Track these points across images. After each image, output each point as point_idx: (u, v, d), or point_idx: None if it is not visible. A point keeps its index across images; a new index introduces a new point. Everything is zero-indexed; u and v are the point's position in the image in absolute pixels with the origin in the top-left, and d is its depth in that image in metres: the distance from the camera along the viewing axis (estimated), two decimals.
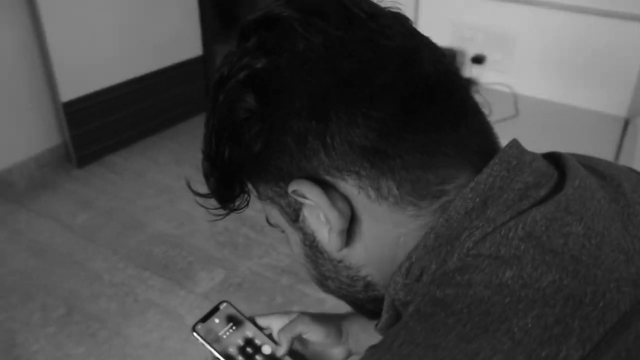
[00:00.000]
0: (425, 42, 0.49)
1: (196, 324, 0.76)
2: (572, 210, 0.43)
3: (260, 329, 0.78)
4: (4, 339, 2.17)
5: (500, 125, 2.17)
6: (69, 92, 3.05)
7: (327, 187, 0.46)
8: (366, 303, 0.56)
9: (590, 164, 0.52)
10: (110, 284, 2.41)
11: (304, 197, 0.47)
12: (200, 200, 0.56)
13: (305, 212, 0.49)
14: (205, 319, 0.77)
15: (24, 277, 2.48)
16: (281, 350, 0.74)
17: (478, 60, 2.47)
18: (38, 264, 2.55)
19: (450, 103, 0.47)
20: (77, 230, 2.77)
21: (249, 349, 0.75)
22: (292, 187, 0.46)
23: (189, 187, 0.58)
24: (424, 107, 0.45)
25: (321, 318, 0.78)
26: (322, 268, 0.54)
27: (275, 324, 0.78)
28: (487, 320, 0.37)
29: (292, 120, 0.44)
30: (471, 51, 2.47)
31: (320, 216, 0.48)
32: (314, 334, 0.76)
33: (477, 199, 0.44)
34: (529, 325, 0.37)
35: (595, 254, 0.41)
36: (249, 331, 0.77)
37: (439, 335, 0.38)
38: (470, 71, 2.48)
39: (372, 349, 0.41)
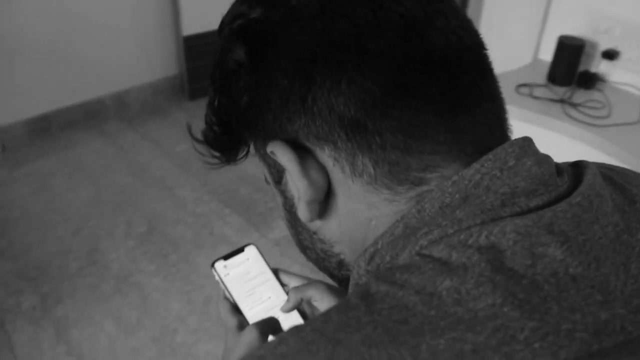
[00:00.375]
0: (445, 11, 0.42)
1: (217, 260, 0.74)
2: (555, 230, 0.37)
3: (280, 282, 0.75)
4: (89, 243, 2.35)
5: (617, 130, 1.99)
6: (191, 27, 3.18)
7: (305, 154, 0.43)
8: (341, 281, 0.53)
9: (622, 182, 0.44)
10: (192, 213, 2.52)
11: (278, 160, 0.44)
12: (198, 147, 0.54)
13: (287, 176, 0.47)
14: (227, 257, 0.75)
15: (118, 192, 2.66)
16: (286, 306, 0.72)
17: (610, 55, 2.24)
18: (133, 182, 2.73)
19: (456, 84, 0.41)
20: (174, 157, 2.91)
21: (260, 297, 0.73)
22: (269, 148, 0.44)
23: (189, 132, 0.56)
24: (419, 84, 0.40)
25: (337, 291, 0.75)
26: (300, 236, 0.52)
27: (293, 283, 0.76)
28: (401, 329, 0.33)
29: (278, 78, 0.42)
30: (604, 45, 2.25)
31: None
32: (324, 303, 0.73)
33: (457, 195, 0.39)
34: (440, 347, 0.32)
35: (566, 286, 0.35)
36: (267, 280, 0.74)
37: (348, 332, 0.34)
38: (598, 66, 2.26)
39: (294, 328, 0.38)
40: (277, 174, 0.48)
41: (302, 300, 0.71)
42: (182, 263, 2.26)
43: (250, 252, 0.76)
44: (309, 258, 0.53)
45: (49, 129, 3.12)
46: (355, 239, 0.46)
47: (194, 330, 1.98)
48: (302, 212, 0.45)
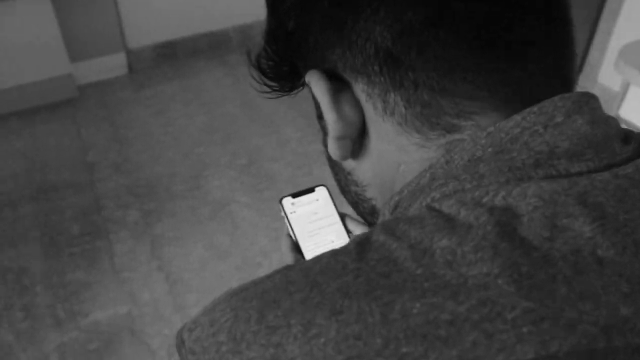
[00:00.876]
0: None
1: (285, 196, 0.73)
2: (589, 201, 0.32)
3: (346, 228, 0.73)
4: (196, 169, 2.47)
5: None
6: None
7: (342, 87, 0.41)
8: None
9: None
10: (293, 152, 2.55)
11: (312, 90, 0.43)
12: (255, 73, 0.52)
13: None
14: (296, 195, 0.73)
15: (228, 122, 2.75)
16: None
17: None
18: (242, 114, 2.80)
19: (505, 22, 0.36)
20: (286, 98, 2.93)
21: (323, 240, 0.72)
22: (307, 77, 0.43)
23: (248, 56, 0.54)
24: (462, 19, 0.36)
25: None
26: (337, 177, 0.51)
27: (358, 231, 0.74)
28: (381, 282, 0.31)
29: (321, 3, 0.40)
30: None
31: None
32: None
33: (490, 149, 0.36)
34: (414, 310, 0.29)
35: (586, 268, 0.29)
36: (333, 224, 0.73)
37: (328, 276, 0.32)
38: None
39: (288, 265, 0.37)
40: (318, 108, 0.46)
41: None
42: (275, 200, 2.30)
43: (321, 193, 0.74)
44: (348, 201, 0.52)
45: (175, 55, 3.27)
46: (385, 184, 0.44)
47: (275, 266, 2.02)
48: (331, 149, 0.43)
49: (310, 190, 0.73)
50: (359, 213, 0.52)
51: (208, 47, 3.33)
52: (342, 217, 0.74)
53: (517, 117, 0.36)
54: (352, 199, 0.50)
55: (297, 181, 2.39)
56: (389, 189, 0.44)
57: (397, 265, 0.31)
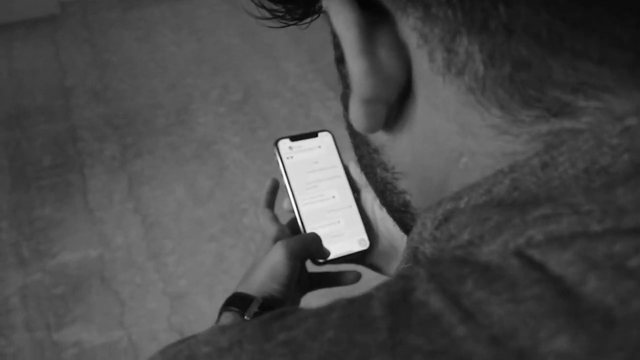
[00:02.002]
0: None
1: (282, 138, 0.62)
2: None
3: (351, 183, 0.63)
4: (181, 102, 2.25)
5: None
6: None
7: (380, 21, 0.26)
8: (404, 228, 0.37)
9: None
10: (291, 89, 2.32)
11: (331, 20, 0.29)
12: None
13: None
14: (295, 138, 0.63)
15: (221, 53, 2.51)
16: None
17: None
18: (237, 45, 2.55)
19: None
20: (288, 28, 2.68)
21: (322, 194, 0.62)
22: (324, 1, 0.28)
23: None
24: None
25: None
26: (357, 150, 0.37)
27: (369, 194, 0.64)
28: None
29: None
30: None
31: None
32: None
33: (627, 156, 0.22)
34: None
35: None
36: (335, 177, 0.62)
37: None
38: None
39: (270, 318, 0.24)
40: (339, 48, 0.32)
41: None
42: (269, 141, 2.09)
43: (324, 139, 0.64)
44: (370, 184, 0.38)
45: None
46: (431, 179, 0.30)
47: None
48: (354, 113, 0.29)
49: (313, 134, 0.64)
50: (384, 203, 0.37)
51: None
52: (347, 170, 0.63)
53: None
54: (376, 184, 0.36)
55: (295, 122, 2.18)
56: (437, 188, 0.30)
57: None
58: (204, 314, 1.58)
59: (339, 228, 0.60)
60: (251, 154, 2.04)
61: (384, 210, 0.61)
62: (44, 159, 2.01)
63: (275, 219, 0.62)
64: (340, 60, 0.32)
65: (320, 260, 0.59)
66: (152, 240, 1.76)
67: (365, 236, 0.60)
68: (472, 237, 0.25)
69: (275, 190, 0.65)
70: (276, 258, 0.54)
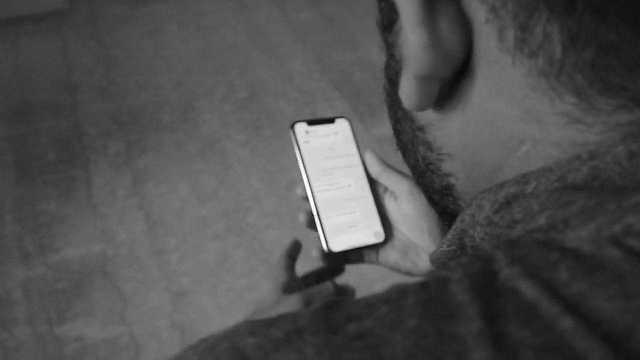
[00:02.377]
0: None
1: (299, 122, 0.61)
2: None
3: (367, 173, 0.62)
4: (186, 98, 2.24)
5: None
6: None
7: None
8: (443, 213, 0.35)
9: None
10: (296, 88, 2.31)
11: None
12: None
13: (401, 23, 0.29)
14: (313, 123, 0.62)
15: (228, 50, 2.50)
16: (373, 170, 0.61)
17: None
18: (246, 42, 2.54)
19: None
20: (295, 25, 2.67)
21: (338, 182, 0.60)
22: None
23: None
24: None
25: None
26: (398, 125, 0.34)
27: (389, 181, 0.62)
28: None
29: None
30: None
31: None
32: (410, 207, 0.60)
33: None
34: None
35: None
36: (352, 166, 0.61)
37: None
38: None
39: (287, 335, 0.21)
40: (389, 16, 0.30)
41: (386, 190, 0.61)
42: (274, 139, 2.08)
43: (342, 126, 0.63)
44: (407, 163, 0.36)
45: None
46: (482, 165, 0.28)
47: (268, 214, 1.83)
48: (406, 90, 0.27)
49: (330, 120, 0.62)
50: (422, 183, 0.35)
51: None
52: (363, 160, 0.62)
53: None
54: (415, 163, 0.34)
55: (298, 118, 2.16)
56: (487, 175, 0.28)
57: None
58: (206, 312, 1.58)
59: (354, 218, 0.58)
60: (256, 153, 2.03)
61: (401, 200, 0.59)
62: (49, 154, 2.00)
63: (290, 267, 0.62)
64: (387, 27, 0.30)
65: (333, 252, 0.56)
66: (156, 237, 1.76)
67: (381, 229, 0.58)
68: (553, 222, 0.22)
69: (297, 250, 0.65)
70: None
